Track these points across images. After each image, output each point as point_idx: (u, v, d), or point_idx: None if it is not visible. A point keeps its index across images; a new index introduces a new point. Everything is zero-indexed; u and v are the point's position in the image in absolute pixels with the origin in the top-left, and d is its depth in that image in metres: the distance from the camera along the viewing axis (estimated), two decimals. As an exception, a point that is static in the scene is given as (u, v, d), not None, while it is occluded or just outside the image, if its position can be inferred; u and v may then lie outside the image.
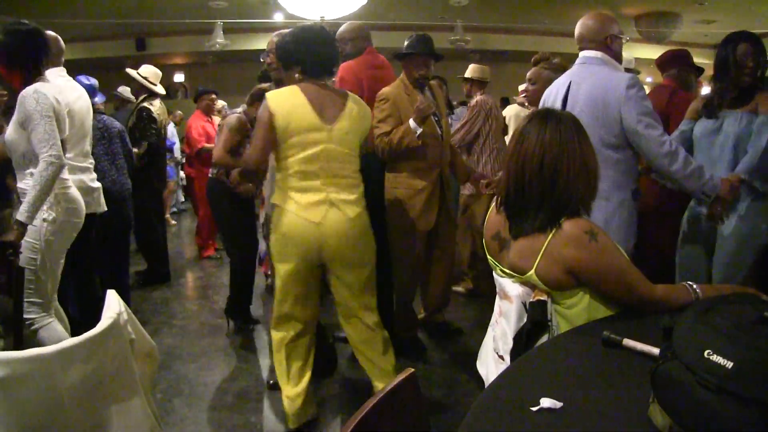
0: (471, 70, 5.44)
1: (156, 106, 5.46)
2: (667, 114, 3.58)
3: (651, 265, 3.24)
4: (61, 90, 3.26)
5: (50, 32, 3.44)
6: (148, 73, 5.60)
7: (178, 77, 14.92)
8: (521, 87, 6.80)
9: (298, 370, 2.95)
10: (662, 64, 4.10)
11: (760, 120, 2.93)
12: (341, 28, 3.99)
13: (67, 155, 3.37)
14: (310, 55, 2.73)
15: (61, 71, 3.50)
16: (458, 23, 10.96)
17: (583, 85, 2.80)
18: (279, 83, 3.41)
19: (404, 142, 3.57)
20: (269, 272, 5.69)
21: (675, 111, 3.58)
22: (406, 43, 3.81)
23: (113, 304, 1.78)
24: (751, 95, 3.01)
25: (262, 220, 5.15)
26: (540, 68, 3.83)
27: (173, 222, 9.33)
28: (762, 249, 3.06)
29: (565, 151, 1.76)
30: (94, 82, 4.38)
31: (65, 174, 2.97)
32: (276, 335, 2.95)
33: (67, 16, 8.97)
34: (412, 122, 3.57)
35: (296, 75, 2.78)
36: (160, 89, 5.69)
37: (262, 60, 3.77)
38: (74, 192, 3.04)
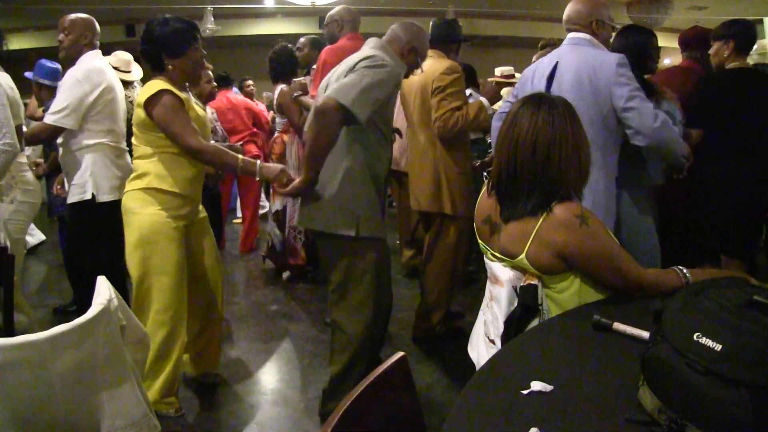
0: None
1: (131, 93, 5.33)
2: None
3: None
4: (104, 71, 3.42)
5: (84, 15, 3.50)
6: (118, 62, 5.36)
7: (169, 63, 14.80)
8: (498, 70, 6.73)
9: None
10: (687, 43, 3.98)
11: (664, 103, 3.09)
12: (332, 10, 3.98)
13: (116, 137, 3.49)
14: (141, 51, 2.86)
15: (96, 53, 3.50)
16: (450, 9, 10.92)
17: (570, 64, 2.75)
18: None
19: (479, 119, 3.49)
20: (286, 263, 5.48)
21: None
22: (444, 31, 3.77)
23: (103, 291, 1.77)
24: (652, 88, 3.15)
25: (276, 208, 5.11)
26: (547, 52, 3.84)
27: None
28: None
29: (558, 136, 1.76)
30: (57, 66, 4.33)
31: (22, 158, 2.99)
32: None
33: (56, 2, 8.88)
34: (485, 100, 3.55)
35: None
36: (135, 74, 5.52)
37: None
38: (30, 176, 3.07)
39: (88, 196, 3.35)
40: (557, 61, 2.81)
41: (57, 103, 3.23)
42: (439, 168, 3.63)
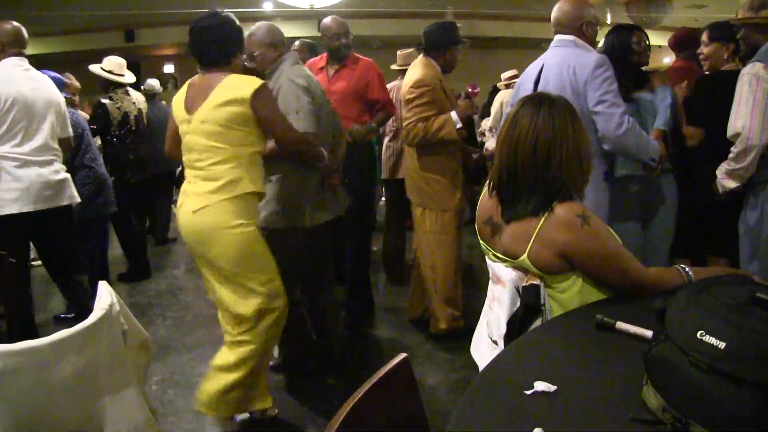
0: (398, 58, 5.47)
1: (123, 97, 5.34)
2: None
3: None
4: (11, 83, 3.27)
5: (13, 22, 3.39)
6: (112, 65, 5.38)
7: (168, 68, 14.83)
8: (505, 74, 6.80)
9: None
10: (679, 44, 4.06)
11: (660, 90, 3.30)
12: (336, 23, 3.97)
13: (22, 148, 3.35)
14: (198, 45, 2.71)
15: (19, 61, 3.41)
16: (448, 10, 10.93)
17: (554, 66, 2.87)
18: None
19: (441, 133, 3.58)
20: None
21: None
22: (429, 36, 3.78)
23: (105, 296, 1.77)
24: (646, 77, 3.38)
25: None
26: None
27: None
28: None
29: (559, 135, 1.76)
30: (59, 77, 4.31)
31: None
32: None
33: (55, 8, 8.89)
34: (454, 115, 3.59)
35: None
36: (128, 78, 5.51)
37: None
38: None
39: None
40: (543, 64, 2.94)
41: None
42: (419, 167, 3.80)
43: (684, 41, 4.03)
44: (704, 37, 3.60)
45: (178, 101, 2.78)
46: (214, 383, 2.75)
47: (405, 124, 3.66)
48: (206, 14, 2.73)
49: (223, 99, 2.59)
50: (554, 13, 2.98)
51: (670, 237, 3.43)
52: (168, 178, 6.97)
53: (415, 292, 4.19)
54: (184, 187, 2.75)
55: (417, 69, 3.76)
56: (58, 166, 3.59)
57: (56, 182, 3.54)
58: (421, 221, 3.86)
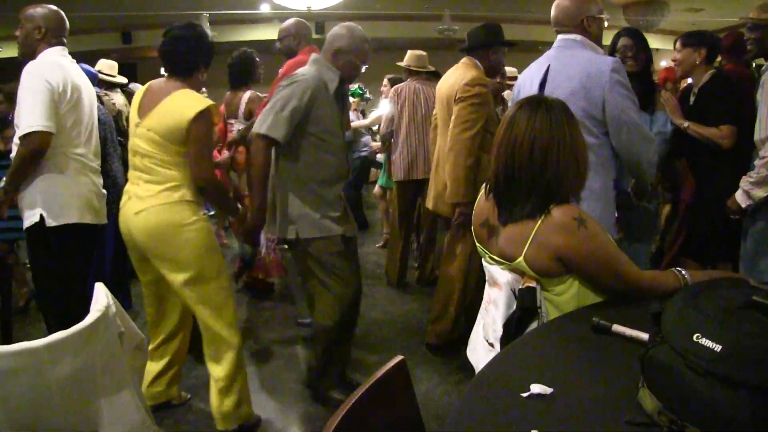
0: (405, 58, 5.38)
1: (115, 99, 5.30)
2: None
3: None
4: (66, 70, 2.92)
5: (46, 7, 3.02)
6: (102, 66, 5.40)
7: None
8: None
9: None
10: (728, 50, 3.93)
11: (661, 115, 3.29)
12: (286, 23, 3.93)
13: (80, 150, 2.96)
14: (169, 51, 2.71)
15: (62, 51, 3.00)
16: (446, 12, 10.94)
17: (563, 69, 2.67)
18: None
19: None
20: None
21: None
22: (475, 37, 3.69)
23: (101, 297, 1.77)
24: (652, 98, 3.30)
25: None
26: None
27: None
28: None
29: (556, 139, 1.76)
30: (93, 71, 4.26)
31: None
32: None
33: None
34: None
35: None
36: (121, 79, 5.55)
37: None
38: None
39: (36, 219, 2.82)
40: (548, 66, 2.74)
41: (27, 110, 2.71)
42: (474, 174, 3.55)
43: (730, 47, 3.93)
44: (678, 44, 3.54)
45: (135, 101, 2.77)
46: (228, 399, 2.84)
47: (463, 124, 3.38)
48: (185, 23, 2.76)
49: (169, 111, 2.63)
50: (553, 11, 2.78)
51: (650, 243, 3.47)
52: None
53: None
54: (128, 187, 2.78)
55: (465, 68, 3.59)
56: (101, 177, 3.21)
57: (104, 195, 3.17)
58: (461, 238, 3.67)
